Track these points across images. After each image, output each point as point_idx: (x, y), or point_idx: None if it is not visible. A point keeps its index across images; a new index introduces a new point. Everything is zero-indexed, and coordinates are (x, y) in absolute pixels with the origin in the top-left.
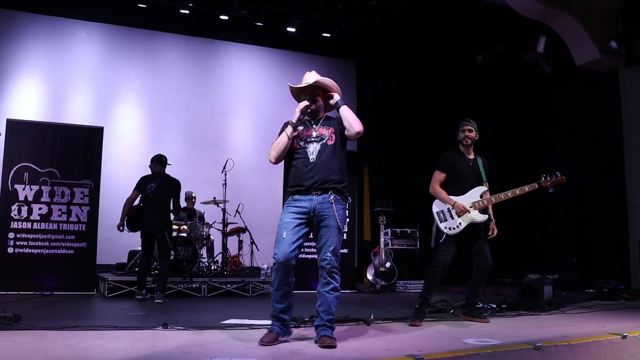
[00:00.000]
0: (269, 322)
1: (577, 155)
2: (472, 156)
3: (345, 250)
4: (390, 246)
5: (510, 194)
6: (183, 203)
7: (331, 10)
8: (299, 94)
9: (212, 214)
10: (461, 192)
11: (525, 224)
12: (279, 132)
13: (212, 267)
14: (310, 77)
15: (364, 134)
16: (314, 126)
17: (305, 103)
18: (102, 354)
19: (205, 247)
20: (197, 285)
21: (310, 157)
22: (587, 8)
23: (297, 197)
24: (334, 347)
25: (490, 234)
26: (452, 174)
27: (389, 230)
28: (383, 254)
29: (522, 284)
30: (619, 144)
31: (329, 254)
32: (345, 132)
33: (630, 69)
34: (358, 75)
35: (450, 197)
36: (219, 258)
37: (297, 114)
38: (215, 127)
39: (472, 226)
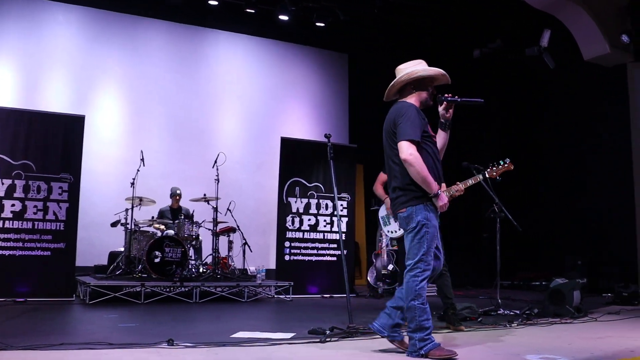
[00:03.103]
0: (287, 335)
1: (582, 154)
2: None
3: (345, 252)
4: (390, 247)
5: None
6: (168, 201)
7: None
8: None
9: (197, 212)
10: None
11: (527, 226)
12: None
13: (201, 270)
14: (426, 65)
15: (360, 129)
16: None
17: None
18: None
19: (192, 248)
20: (188, 290)
21: (439, 154)
22: (599, 1)
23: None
24: None
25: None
26: None
27: None
28: (385, 256)
29: (550, 289)
30: (627, 142)
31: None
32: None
33: (638, 65)
34: (351, 68)
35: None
36: (208, 260)
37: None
38: (202, 119)
39: None
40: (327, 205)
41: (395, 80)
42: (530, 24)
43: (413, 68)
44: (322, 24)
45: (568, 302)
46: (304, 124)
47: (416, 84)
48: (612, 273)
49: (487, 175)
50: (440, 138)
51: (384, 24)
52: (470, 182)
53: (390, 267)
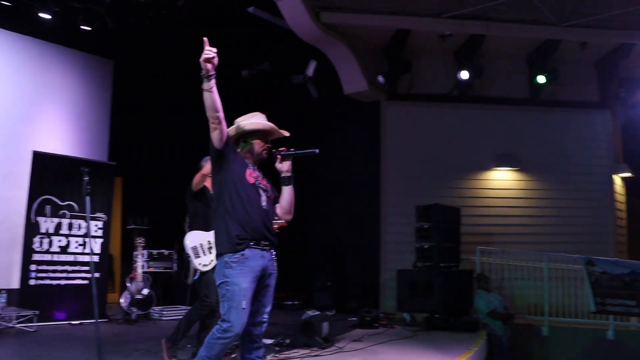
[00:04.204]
0: None
1: (335, 181)
2: None
3: (97, 275)
4: (145, 269)
5: None
6: None
7: (94, 1)
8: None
9: None
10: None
11: (283, 248)
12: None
13: None
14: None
15: (121, 140)
16: (259, 174)
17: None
18: None
19: None
20: None
21: (263, 203)
22: (361, 42)
23: (248, 253)
24: None
25: None
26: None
27: (145, 252)
28: (140, 280)
29: (301, 321)
30: (377, 172)
31: (267, 316)
32: (279, 210)
33: (390, 103)
34: (116, 75)
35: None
36: None
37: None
38: None
39: None
40: (80, 225)
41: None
42: (298, 52)
43: (242, 122)
44: (89, 28)
45: (318, 333)
46: (62, 132)
47: (247, 137)
48: (358, 295)
49: None
50: (284, 194)
51: (154, 34)
52: None
53: (146, 291)
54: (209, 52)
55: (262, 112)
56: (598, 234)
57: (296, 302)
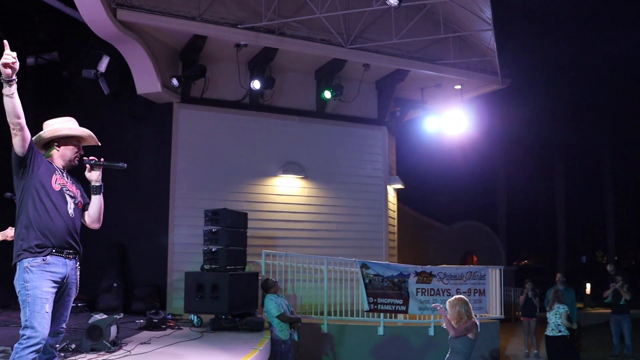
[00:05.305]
0: None
1: (125, 180)
2: None
3: None
4: None
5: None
6: None
7: None
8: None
9: None
10: None
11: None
12: None
13: None
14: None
15: None
16: (68, 180)
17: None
18: None
19: None
20: None
21: (70, 210)
22: (157, 43)
23: (50, 259)
24: None
25: None
26: None
27: None
28: None
29: (88, 325)
30: (167, 173)
31: (64, 326)
32: (87, 219)
33: (183, 106)
34: None
35: None
36: None
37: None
38: None
39: None
40: None
41: (38, 134)
42: (92, 46)
43: (58, 125)
44: None
45: (105, 337)
46: None
47: (60, 142)
48: (145, 297)
49: None
50: (93, 203)
51: None
52: None
53: None
54: (8, 56)
55: (50, 103)
56: (373, 239)
57: (80, 304)
